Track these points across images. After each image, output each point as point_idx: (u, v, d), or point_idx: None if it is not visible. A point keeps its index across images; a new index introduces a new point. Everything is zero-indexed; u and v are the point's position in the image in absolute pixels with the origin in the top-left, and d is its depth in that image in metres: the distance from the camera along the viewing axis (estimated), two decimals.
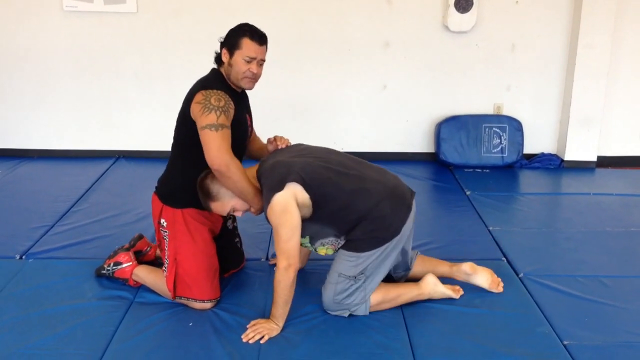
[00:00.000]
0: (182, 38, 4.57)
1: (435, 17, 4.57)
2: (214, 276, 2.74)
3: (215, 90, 2.56)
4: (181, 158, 2.72)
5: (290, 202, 2.43)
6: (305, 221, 2.50)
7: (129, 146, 4.83)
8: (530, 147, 4.84)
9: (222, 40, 2.68)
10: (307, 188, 2.46)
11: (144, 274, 2.85)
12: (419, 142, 4.87)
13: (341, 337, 2.52)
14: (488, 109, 4.79)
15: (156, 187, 2.81)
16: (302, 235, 2.53)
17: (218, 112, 2.49)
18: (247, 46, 2.58)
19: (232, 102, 2.57)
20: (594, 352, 2.45)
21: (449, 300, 2.78)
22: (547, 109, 4.80)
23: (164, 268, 2.77)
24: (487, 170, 4.65)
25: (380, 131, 4.82)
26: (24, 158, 4.75)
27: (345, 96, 4.75)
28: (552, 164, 4.75)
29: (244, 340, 2.49)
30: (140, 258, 3.00)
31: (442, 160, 4.71)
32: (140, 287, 2.87)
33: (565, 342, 2.50)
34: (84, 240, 3.36)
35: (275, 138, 2.77)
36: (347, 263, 2.59)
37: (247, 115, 2.79)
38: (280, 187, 2.44)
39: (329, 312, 2.68)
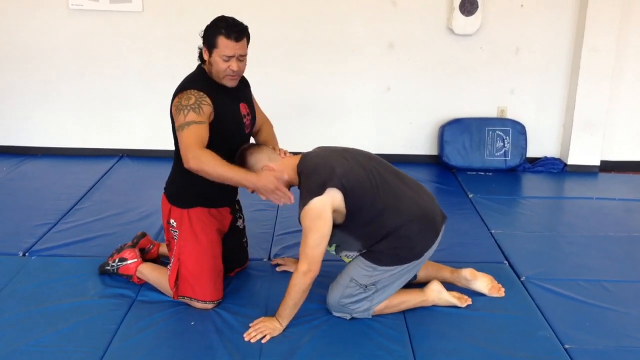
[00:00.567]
0: (186, 37, 4.54)
1: (440, 19, 4.57)
2: (217, 277, 2.74)
3: (188, 91, 2.53)
4: (181, 159, 2.72)
5: (326, 208, 2.40)
6: (334, 228, 2.46)
7: (132, 145, 4.83)
8: (534, 150, 4.83)
9: (202, 34, 2.60)
10: (346, 197, 2.43)
11: (148, 272, 2.86)
12: (422, 144, 4.86)
13: (342, 338, 2.52)
14: (492, 112, 4.79)
15: (165, 188, 2.81)
16: (329, 244, 2.50)
17: (186, 111, 2.47)
18: (224, 44, 2.50)
19: (206, 98, 2.51)
20: (595, 357, 2.45)
21: None
22: (551, 112, 4.79)
23: (168, 267, 2.77)
24: (490, 174, 4.64)
25: (383, 133, 4.82)
26: (28, 156, 4.75)
27: (349, 97, 4.74)
28: (555, 168, 4.75)
29: (246, 339, 2.49)
30: (144, 256, 3.00)
31: (445, 163, 4.71)
32: (143, 286, 2.87)
33: (566, 346, 2.50)
34: (86, 238, 3.37)
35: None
36: (363, 271, 2.56)
37: (244, 105, 2.73)
38: (320, 192, 2.39)
39: (331, 310, 2.67)
